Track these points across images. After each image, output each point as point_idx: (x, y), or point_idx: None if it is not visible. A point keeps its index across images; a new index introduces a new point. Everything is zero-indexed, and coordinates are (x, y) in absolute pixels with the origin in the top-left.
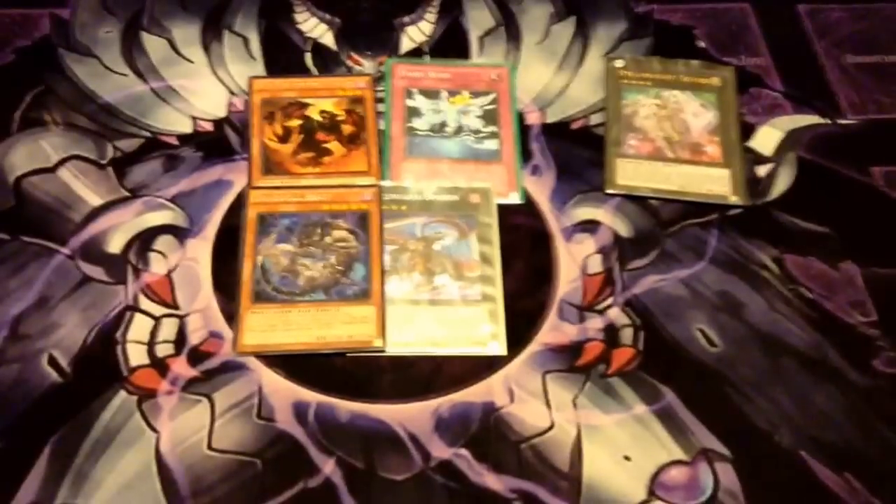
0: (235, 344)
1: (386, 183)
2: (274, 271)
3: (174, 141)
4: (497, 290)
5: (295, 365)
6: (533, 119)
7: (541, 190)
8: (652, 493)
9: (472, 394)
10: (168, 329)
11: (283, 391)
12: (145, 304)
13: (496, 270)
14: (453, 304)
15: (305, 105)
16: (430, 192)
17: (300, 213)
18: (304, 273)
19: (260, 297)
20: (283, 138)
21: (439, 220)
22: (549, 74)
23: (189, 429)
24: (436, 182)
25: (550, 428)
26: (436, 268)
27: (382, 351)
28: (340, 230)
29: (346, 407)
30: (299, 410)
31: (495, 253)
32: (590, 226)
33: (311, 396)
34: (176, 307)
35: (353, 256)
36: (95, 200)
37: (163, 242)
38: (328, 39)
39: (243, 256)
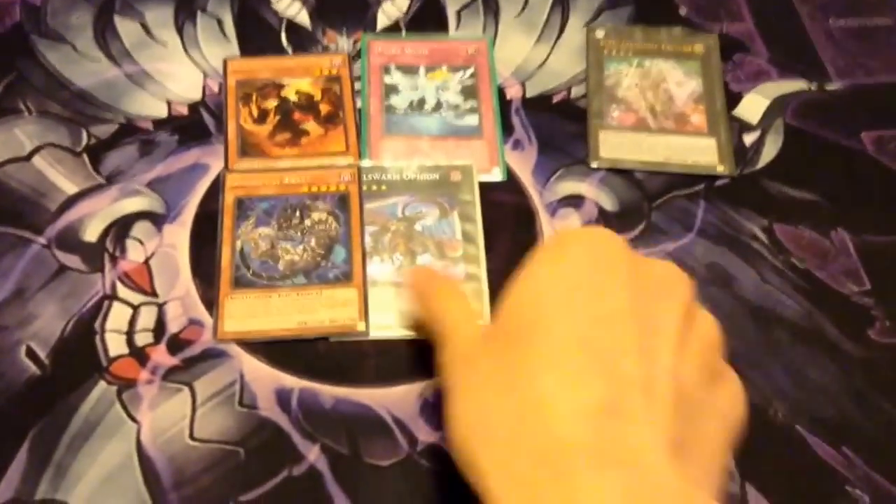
0: (216, 331)
1: (365, 163)
2: (253, 256)
3: (149, 126)
4: (481, 270)
5: (276, 351)
6: (513, 93)
7: (523, 165)
8: None
9: None
10: (147, 317)
11: (264, 378)
12: (123, 292)
13: (479, 249)
14: None
15: (281, 85)
16: (411, 172)
17: (279, 196)
18: (284, 257)
19: (239, 283)
20: (260, 120)
21: (420, 200)
22: (529, 47)
23: (170, 419)
24: (416, 161)
25: None
26: (418, 248)
27: (366, 335)
28: (320, 212)
29: (329, 392)
30: (282, 397)
31: (478, 231)
32: (574, 200)
33: (294, 382)
34: (154, 295)
35: (333, 238)
36: (71, 188)
37: (140, 229)
38: (303, 18)
39: (221, 242)
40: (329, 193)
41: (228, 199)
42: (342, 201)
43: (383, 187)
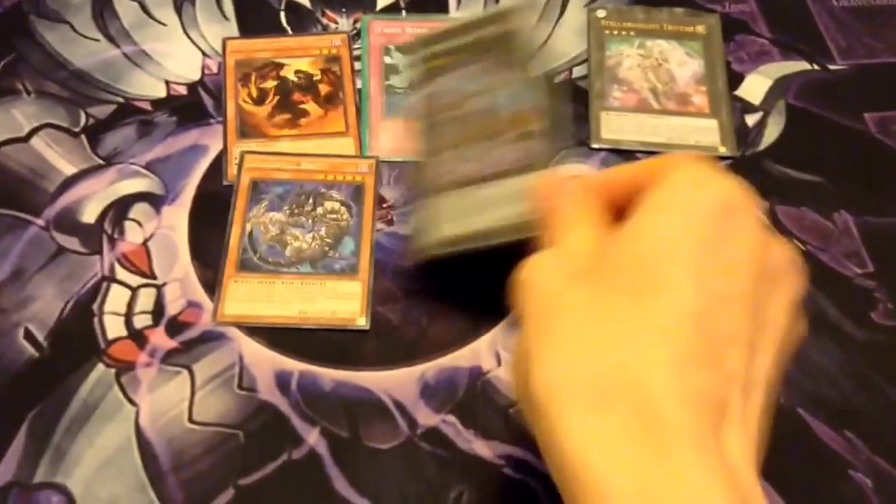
0: (216, 313)
1: (422, 33)
2: (262, 240)
3: (147, 106)
4: (557, 125)
5: (276, 333)
6: None
7: None
8: None
9: (459, 358)
10: (145, 299)
11: (264, 361)
12: (122, 274)
13: (559, 102)
14: (519, 172)
15: (281, 65)
16: (467, 34)
17: (294, 181)
18: (292, 243)
19: (245, 266)
20: (259, 100)
21: (485, 68)
22: (530, 26)
23: (169, 402)
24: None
25: None
26: (491, 131)
27: (366, 331)
28: (333, 201)
29: (329, 375)
30: (281, 380)
31: (553, 83)
32: None
33: (294, 365)
34: (153, 277)
35: (343, 230)
36: (69, 169)
37: (138, 210)
38: None
39: (232, 222)
40: (345, 183)
41: (244, 180)
42: (357, 192)
43: (451, 58)
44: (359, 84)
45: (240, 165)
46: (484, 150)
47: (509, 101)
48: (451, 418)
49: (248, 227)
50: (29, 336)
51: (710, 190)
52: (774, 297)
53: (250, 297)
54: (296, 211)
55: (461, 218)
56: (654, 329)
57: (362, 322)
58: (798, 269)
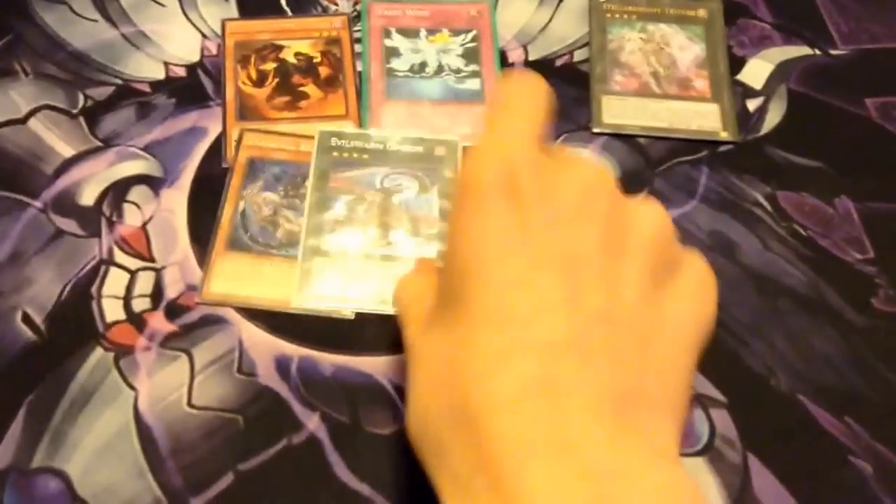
0: (201, 290)
1: (348, 130)
2: (254, 220)
3: (146, 88)
4: None
5: (275, 318)
6: (515, 57)
7: None
8: None
9: None
10: (144, 283)
11: (263, 345)
12: (120, 257)
13: None
14: (408, 261)
15: (280, 47)
16: (394, 142)
17: (291, 163)
18: (284, 225)
19: (235, 245)
20: (258, 82)
21: (401, 172)
22: (531, 10)
23: (168, 386)
24: (401, 132)
25: None
26: (393, 222)
27: (352, 319)
28: None
29: (329, 360)
30: (281, 365)
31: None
32: None
33: (294, 350)
34: (152, 260)
35: None
36: (67, 151)
37: (137, 193)
38: None
39: (225, 200)
40: None
41: (242, 158)
42: None
43: (365, 156)
44: (359, 67)
45: (238, 143)
46: (384, 234)
47: (413, 203)
48: None
49: (242, 205)
50: (27, 319)
51: (485, 176)
52: (580, 227)
53: (238, 277)
54: (290, 192)
55: (358, 282)
56: (468, 343)
57: (348, 313)
58: (595, 181)
